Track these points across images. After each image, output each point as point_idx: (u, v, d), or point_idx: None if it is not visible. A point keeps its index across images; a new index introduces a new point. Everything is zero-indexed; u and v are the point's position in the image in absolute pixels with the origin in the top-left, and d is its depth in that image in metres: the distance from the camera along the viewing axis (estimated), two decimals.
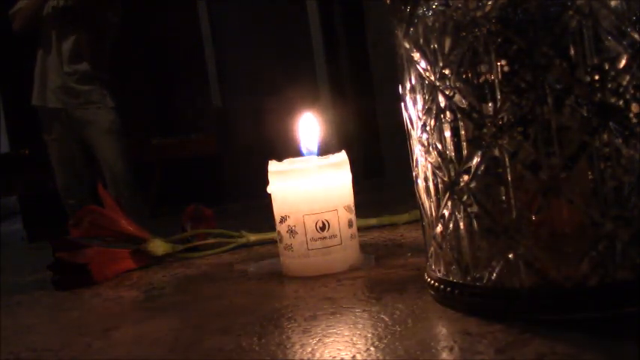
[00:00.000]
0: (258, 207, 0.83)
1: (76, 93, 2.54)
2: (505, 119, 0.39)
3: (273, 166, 0.62)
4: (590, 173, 0.38)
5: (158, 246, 0.75)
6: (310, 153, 0.63)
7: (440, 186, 0.44)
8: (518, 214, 0.39)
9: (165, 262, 0.75)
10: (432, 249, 0.46)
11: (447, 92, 0.41)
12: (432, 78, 0.42)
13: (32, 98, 2.60)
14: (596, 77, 0.38)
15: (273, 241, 0.64)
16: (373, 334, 0.42)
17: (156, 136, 3.74)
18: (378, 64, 2.85)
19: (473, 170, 0.41)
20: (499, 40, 0.39)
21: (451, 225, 0.43)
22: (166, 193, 3.32)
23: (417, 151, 0.46)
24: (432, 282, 0.46)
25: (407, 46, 0.45)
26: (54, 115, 2.57)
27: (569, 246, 0.38)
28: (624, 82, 0.38)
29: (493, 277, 0.41)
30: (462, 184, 0.42)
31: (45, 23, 2.51)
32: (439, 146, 0.43)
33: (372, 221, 0.81)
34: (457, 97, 0.41)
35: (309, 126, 0.64)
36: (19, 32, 2.55)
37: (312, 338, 0.42)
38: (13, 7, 2.55)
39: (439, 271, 0.45)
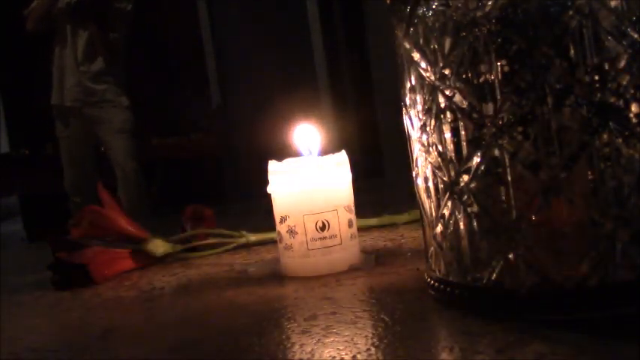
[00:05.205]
0: (258, 207, 0.83)
1: (91, 91, 2.55)
2: (505, 119, 0.39)
3: (273, 166, 0.62)
4: (590, 173, 0.38)
5: (158, 246, 0.75)
6: (310, 153, 0.63)
7: (440, 186, 0.44)
8: (518, 214, 0.39)
9: (166, 262, 0.75)
10: (432, 249, 0.46)
11: (447, 92, 0.41)
12: (432, 78, 0.42)
13: (51, 97, 2.60)
14: (596, 77, 0.38)
15: (273, 241, 0.64)
16: (373, 334, 0.42)
17: (156, 136, 3.73)
18: (378, 64, 2.85)
19: (473, 170, 0.41)
20: (499, 40, 0.39)
21: (451, 225, 0.43)
22: (166, 193, 3.32)
23: (417, 151, 0.46)
24: (432, 282, 0.46)
25: (407, 46, 0.45)
26: (70, 113, 2.58)
27: (569, 246, 0.38)
28: (624, 82, 0.38)
29: (493, 277, 0.41)
30: (462, 184, 0.42)
31: (59, 22, 2.52)
32: (439, 146, 0.43)
33: (372, 221, 0.81)
34: (457, 97, 0.41)
35: (308, 128, 0.64)
36: (33, 32, 2.55)
37: (312, 338, 0.42)
38: (28, 8, 2.55)
39: (439, 271, 0.45)
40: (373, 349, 0.39)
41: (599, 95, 0.38)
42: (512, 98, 0.39)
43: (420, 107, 0.44)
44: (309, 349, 0.41)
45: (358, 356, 0.38)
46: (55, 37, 2.56)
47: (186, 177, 3.60)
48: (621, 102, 0.38)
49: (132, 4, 2.59)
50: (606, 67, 0.38)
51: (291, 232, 0.59)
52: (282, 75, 3.27)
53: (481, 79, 0.40)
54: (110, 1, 2.50)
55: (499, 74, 0.39)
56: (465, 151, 0.41)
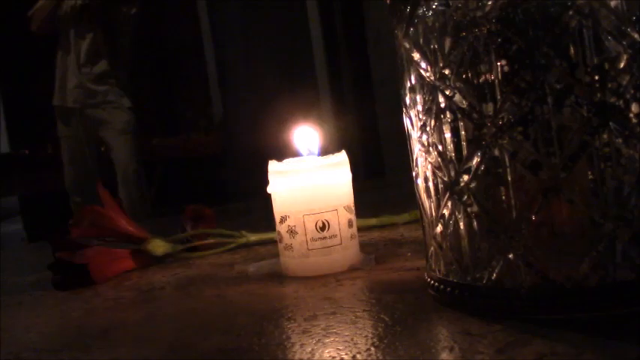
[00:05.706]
0: (258, 207, 0.83)
1: (92, 93, 2.55)
2: (505, 119, 0.39)
3: (273, 166, 0.62)
4: (590, 173, 0.38)
5: (158, 246, 0.75)
6: (310, 153, 0.63)
7: (440, 186, 0.44)
8: (518, 214, 0.39)
9: (166, 262, 0.75)
10: (432, 249, 0.46)
11: (447, 92, 0.42)
12: (432, 78, 0.43)
13: (53, 98, 2.61)
14: (596, 77, 0.38)
15: (273, 241, 0.64)
16: (373, 334, 0.42)
17: (156, 136, 3.74)
18: (378, 64, 2.85)
19: (473, 170, 0.41)
20: (499, 40, 0.39)
21: (451, 225, 0.43)
22: (166, 193, 3.32)
23: (417, 151, 0.46)
24: (432, 282, 0.46)
25: (407, 46, 0.45)
26: (71, 114, 2.58)
27: (569, 246, 0.38)
28: (624, 82, 0.38)
29: (493, 277, 0.41)
30: (462, 184, 0.42)
31: (63, 23, 2.52)
32: (439, 146, 0.43)
33: (372, 221, 0.81)
34: (457, 97, 0.41)
35: (308, 128, 0.64)
36: (37, 34, 2.55)
37: (312, 338, 0.42)
38: (32, 9, 2.55)
39: (439, 271, 0.45)
40: (373, 349, 0.39)
41: (599, 95, 0.38)
42: (512, 98, 0.39)
43: (420, 107, 0.44)
44: (309, 349, 0.41)
45: (358, 356, 0.38)
46: (58, 39, 2.57)
47: (186, 177, 3.60)
48: (621, 102, 0.38)
49: (136, 8, 2.59)
50: (606, 67, 0.38)
51: (291, 232, 0.60)
52: (282, 75, 3.27)
53: (481, 79, 0.40)
54: (115, 5, 2.50)
55: (499, 74, 0.39)
56: (465, 151, 0.41)
